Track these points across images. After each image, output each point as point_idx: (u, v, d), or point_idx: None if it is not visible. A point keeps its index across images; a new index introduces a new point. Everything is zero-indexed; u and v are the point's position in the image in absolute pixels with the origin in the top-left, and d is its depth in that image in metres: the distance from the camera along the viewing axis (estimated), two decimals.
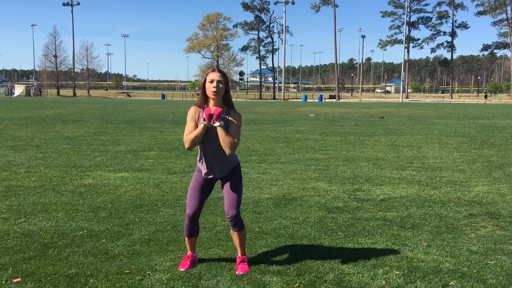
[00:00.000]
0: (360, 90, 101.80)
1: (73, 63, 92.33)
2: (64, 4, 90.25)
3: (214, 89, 3.55)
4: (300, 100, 70.90)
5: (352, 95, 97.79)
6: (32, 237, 4.54)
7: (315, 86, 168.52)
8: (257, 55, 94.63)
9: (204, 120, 3.60)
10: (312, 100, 69.39)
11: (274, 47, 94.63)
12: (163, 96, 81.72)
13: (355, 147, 11.80)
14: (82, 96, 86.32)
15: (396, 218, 5.36)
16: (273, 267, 3.86)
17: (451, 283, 3.60)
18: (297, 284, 3.55)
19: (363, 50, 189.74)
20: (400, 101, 68.67)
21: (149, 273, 3.71)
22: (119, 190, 6.62)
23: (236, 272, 3.76)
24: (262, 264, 3.93)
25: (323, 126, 18.70)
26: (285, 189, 6.78)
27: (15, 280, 3.53)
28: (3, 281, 3.52)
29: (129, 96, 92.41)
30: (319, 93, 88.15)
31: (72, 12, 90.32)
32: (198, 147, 3.76)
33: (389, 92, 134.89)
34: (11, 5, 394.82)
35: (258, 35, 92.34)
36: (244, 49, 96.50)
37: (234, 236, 3.87)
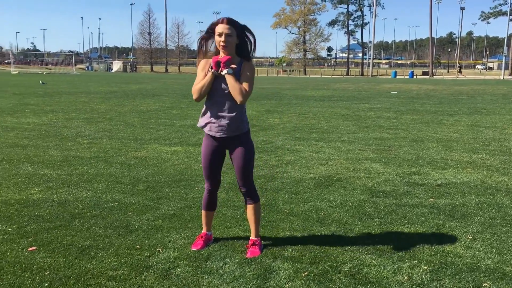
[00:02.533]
0: (457, 66, 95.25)
1: (166, 40, 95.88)
2: None
3: (223, 43, 3.33)
4: (389, 77, 67.97)
5: (448, 71, 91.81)
6: (65, 207, 4.67)
7: (409, 62, 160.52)
8: (346, 30, 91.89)
9: (211, 68, 3.41)
10: (402, 77, 66.20)
11: (364, 21, 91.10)
12: None
13: (429, 127, 10.96)
14: (173, 72, 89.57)
15: (447, 206, 4.83)
16: (288, 252, 3.61)
17: (485, 284, 3.13)
18: (307, 272, 3.27)
19: (461, 23, 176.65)
20: (501, 78, 63.33)
21: (159, 250, 3.62)
22: (166, 163, 6.66)
23: (246, 255, 3.56)
24: (278, 248, 3.69)
25: (401, 104, 17.68)
26: (333, 169, 6.41)
27: (30, 249, 3.62)
28: (20, 249, 3.62)
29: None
30: (411, 70, 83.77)
31: None
32: (205, 99, 3.54)
33: (491, 68, 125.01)
34: None
35: (348, 8, 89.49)
36: (332, 23, 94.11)
37: (249, 210, 3.66)
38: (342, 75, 79.08)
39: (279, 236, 3.96)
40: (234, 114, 3.47)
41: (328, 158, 7.20)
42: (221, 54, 3.42)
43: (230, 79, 3.36)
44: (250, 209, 3.67)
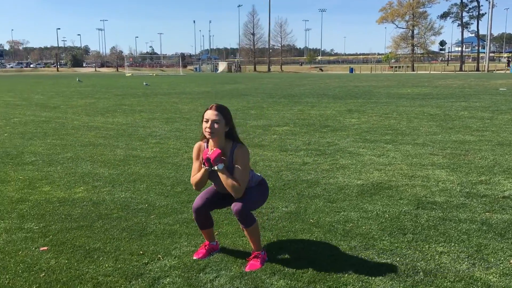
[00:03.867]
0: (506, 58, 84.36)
1: (269, 39, 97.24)
2: None
3: (209, 130, 3.19)
4: (509, 72, 62.22)
5: None
6: (97, 207, 4.79)
7: None
8: (459, 22, 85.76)
9: (204, 164, 3.29)
10: None
11: (481, 12, 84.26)
12: (351, 70, 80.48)
13: None
14: (275, 71, 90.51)
15: (502, 223, 4.16)
16: (290, 268, 3.32)
17: None
18: None
19: None
20: None
21: (159, 257, 3.54)
22: None
23: (245, 269, 3.33)
24: (281, 262, 3.42)
25: (505, 102, 15.97)
26: (388, 176, 5.89)
27: (42, 249, 3.73)
28: (34, 248, 3.75)
29: (321, 70, 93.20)
30: None
31: None
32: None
33: None
34: None
35: None
36: (444, 16, 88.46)
37: (245, 232, 3.42)
38: (454, 71, 74.03)
39: (291, 249, 3.67)
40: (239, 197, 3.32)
41: (388, 162, 6.65)
42: (210, 143, 3.28)
43: (222, 176, 3.26)
44: (246, 232, 3.41)
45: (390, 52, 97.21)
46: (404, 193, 5.14)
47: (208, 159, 3.23)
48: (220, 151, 3.21)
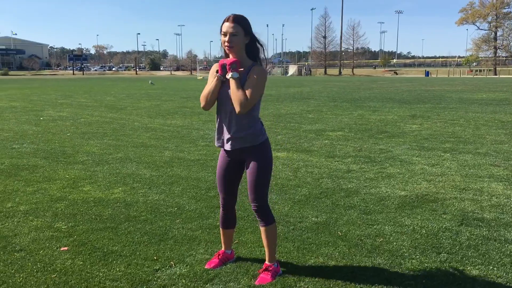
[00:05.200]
0: None
1: (341, 42, 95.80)
2: None
3: (227, 44, 3.01)
4: None
5: None
6: (129, 208, 4.81)
7: None
8: None
9: (217, 72, 3.11)
10: None
11: None
12: (427, 74, 77.23)
13: None
14: (346, 75, 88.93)
15: None
16: (303, 284, 3.11)
17: None
18: None
19: None
20: None
21: (171, 264, 3.46)
22: None
23: (255, 282, 3.16)
24: (295, 277, 3.21)
25: None
26: (436, 187, 5.45)
27: (62, 249, 3.78)
28: (55, 248, 3.81)
29: (396, 74, 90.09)
30: None
31: None
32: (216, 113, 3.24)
33: None
34: None
35: None
36: None
37: (262, 233, 3.26)
38: None
39: (308, 264, 3.45)
40: (242, 124, 3.11)
41: (441, 173, 6.17)
42: (230, 57, 3.11)
43: (232, 84, 3.03)
44: (262, 232, 3.27)
45: (470, 55, 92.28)
46: (450, 207, 4.72)
47: (223, 66, 3.06)
48: (237, 59, 3.04)
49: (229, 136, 3.16)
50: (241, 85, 3.03)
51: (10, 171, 6.47)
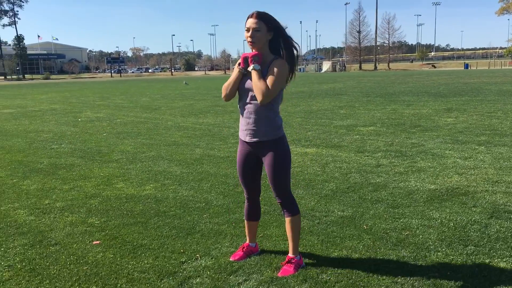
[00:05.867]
0: None
1: (376, 37, 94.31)
2: None
3: (250, 39, 3.10)
4: None
5: None
6: (159, 204, 4.95)
7: None
8: None
9: (239, 64, 3.19)
10: None
11: None
12: (466, 66, 75.06)
13: None
14: (382, 69, 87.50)
15: None
16: (325, 276, 3.14)
17: None
18: None
19: None
20: None
21: (197, 257, 3.55)
22: None
23: (277, 274, 3.21)
24: (318, 269, 3.24)
25: None
26: (468, 180, 5.35)
27: (95, 242, 3.93)
28: (88, 241, 3.97)
29: (434, 67, 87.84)
30: None
31: None
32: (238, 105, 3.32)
33: None
34: None
35: None
36: None
37: (286, 224, 3.33)
38: None
39: (332, 256, 3.47)
40: (261, 117, 3.17)
41: (473, 166, 6.04)
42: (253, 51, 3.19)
43: (254, 76, 3.10)
44: (287, 222, 3.32)
45: (511, 46, 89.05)
46: (480, 200, 4.63)
47: (245, 58, 3.14)
48: (260, 53, 3.13)
49: (248, 128, 3.22)
50: (262, 76, 3.09)
51: (48, 170, 6.74)
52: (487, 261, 3.27)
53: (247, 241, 3.61)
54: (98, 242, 3.94)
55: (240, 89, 3.24)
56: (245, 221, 3.58)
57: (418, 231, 3.87)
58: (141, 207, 4.86)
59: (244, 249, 3.55)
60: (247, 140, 3.28)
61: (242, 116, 3.27)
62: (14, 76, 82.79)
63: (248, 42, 3.13)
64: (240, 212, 4.55)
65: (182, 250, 3.68)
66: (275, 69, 3.09)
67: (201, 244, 3.80)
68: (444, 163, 6.26)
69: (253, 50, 3.17)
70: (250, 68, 3.12)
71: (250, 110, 3.19)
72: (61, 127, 11.95)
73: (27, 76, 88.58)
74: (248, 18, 3.13)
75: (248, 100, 3.19)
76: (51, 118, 14.27)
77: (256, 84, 3.07)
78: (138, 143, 9.01)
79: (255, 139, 3.23)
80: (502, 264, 3.20)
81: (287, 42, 3.20)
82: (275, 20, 3.16)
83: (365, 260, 3.37)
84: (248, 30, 3.10)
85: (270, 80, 3.07)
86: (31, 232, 4.20)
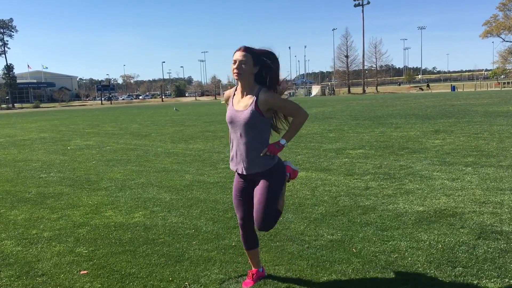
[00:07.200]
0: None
1: (363, 61, 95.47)
2: (355, 5, 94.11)
3: (236, 71, 3.17)
4: None
5: None
6: (148, 232, 4.92)
7: None
8: None
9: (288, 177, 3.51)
10: None
11: None
12: (453, 88, 76.13)
13: None
14: (370, 92, 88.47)
15: None
16: None
17: None
18: None
19: None
20: None
21: (186, 285, 3.53)
22: None
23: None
24: None
25: None
26: (455, 202, 5.39)
27: (82, 272, 3.89)
28: (76, 271, 3.92)
29: (422, 89, 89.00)
30: None
31: (362, 12, 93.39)
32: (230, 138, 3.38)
33: None
34: (317, 10, 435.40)
35: None
36: None
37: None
38: None
39: (321, 280, 3.47)
40: (256, 150, 3.23)
41: (461, 187, 6.10)
42: (239, 84, 3.25)
43: (292, 134, 3.40)
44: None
45: (497, 68, 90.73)
46: (468, 221, 4.66)
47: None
48: (297, 172, 3.57)
49: (243, 161, 3.26)
50: (293, 128, 3.37)
51: (36, 199, 6.69)
52: (475, 282, 3.28)
53: (253, 268, 3.58)
54: (85, 272, 3.90)
55: (232, 124, 3.29)
56: (245, 250, 3.57)
57: (407, 254, 3.89)
58: (129, 235, 4.83)
59: (253, 276, 3.51)
60: (239, 172, 3.32)
61: (236, 149, 3.31)
62: (3, 105, 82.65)
63: (234, 74, 3.19)
64: (230, 238, 4.54)
65: (171, 278, 3.65)
66: (276, 102, 3.22)
67: (190, 271, 3.78)
68: (432, 185, 6.31)
69: (239, 82, 3.23)
70: (282, 143, 3.30)
71: (243, 144, 3.25)
72: (50, 155, 11.90)
73: (16, 105, 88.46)
74: (235, 52, 3.20)
75: (240, 135, 3.24)
76: (40, 146, 14.20)
77: (298, 129, 3.43)
78: (127, 170, 8.98)
79: (251, 172, 3.28)
80: (490, 285, 3.22)
81: (272, 74, 3.27)
82: (262, 54, 3.22)
83: (354, 284, 3.37)
84: (235, 62, 3.17)
85: (289, 109, 3.32)
86: (18, 263, 4.15)
